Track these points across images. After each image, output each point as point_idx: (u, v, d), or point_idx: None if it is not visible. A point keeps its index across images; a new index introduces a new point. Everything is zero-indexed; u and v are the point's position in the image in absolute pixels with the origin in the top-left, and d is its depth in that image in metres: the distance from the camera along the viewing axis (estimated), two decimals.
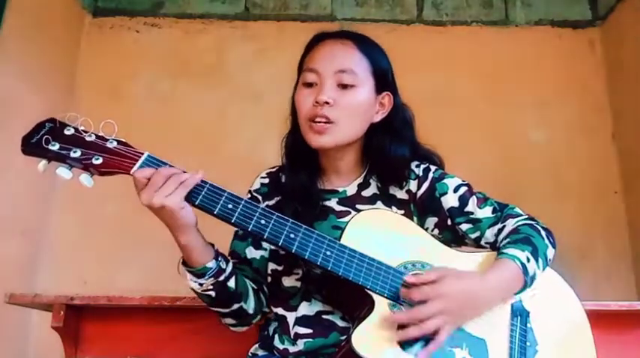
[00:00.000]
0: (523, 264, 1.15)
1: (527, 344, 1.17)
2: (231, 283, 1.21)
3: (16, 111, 2.41)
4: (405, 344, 1.06)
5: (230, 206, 1.11)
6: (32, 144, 1.07)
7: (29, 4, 2.57)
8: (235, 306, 1.24)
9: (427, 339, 1.06)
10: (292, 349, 1.22)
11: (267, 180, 1.39)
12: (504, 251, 1.17)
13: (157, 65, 3.02)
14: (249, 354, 1.29)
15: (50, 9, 2.75)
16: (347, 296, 1.17)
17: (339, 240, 1.15)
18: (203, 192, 1.11)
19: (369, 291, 1.11)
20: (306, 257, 1.11)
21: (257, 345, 1.30)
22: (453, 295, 1.07)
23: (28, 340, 2.52)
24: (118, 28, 3.08)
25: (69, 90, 2.90)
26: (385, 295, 1.12)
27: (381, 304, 1.11)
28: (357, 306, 1.15)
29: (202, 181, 1.12)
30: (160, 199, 1.06)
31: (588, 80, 3.01)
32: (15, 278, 2.48)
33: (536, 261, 1.18)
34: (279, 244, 1.12)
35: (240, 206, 1.11)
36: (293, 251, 1.12)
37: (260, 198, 1.36)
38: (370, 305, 1.11)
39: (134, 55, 3.04)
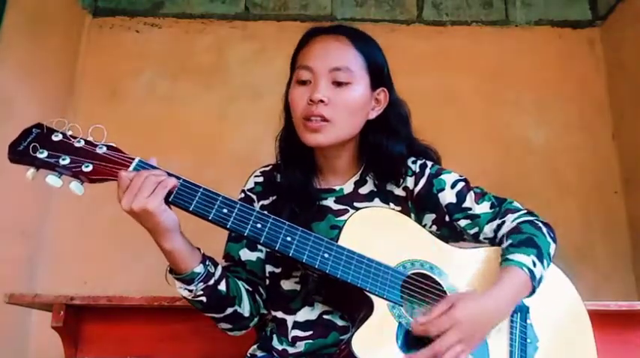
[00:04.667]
0: (530, 270, 1.13)
1: (528, 340, 1.17)
2: (222, 286, 1.18)
3: (16, 112, 2.41)
4: (403, 345, 1.06)
5: (225, 210, 1.08)
6: (19, 152, 1.04)
7: (29, 4, 2.57)
8: (229, 310, 1.22)
9: None
10: (291, 350, 1.21)
11: (261, 179, 1.37)
12: (509, 257, 1.15)
13: (157, 65, 3.02)
14: (248, 355, 1.28)
15: (50, 9, 2.74)
16: (346, 297, 1.16)
17: (337, 241, 1.13)
18: (197, 197, 1.07)
19: (368, 293, 1.11)
20: (303, 260, 1.10)
21: (255, 346, 1.29)
22: (467, 320, 1.05)
23: (28, 340, 2.52)
24: (118, 28, 3.08)
25: (69, 90, 2.89)
26: (384, 297, 1.11)
27: (381, 306, 1.10)
28: (356, 308, 1.14)
29: (195, 185, 1.09)
30: (141, 202, 1.03)
31: (588, 80, 3.00)
32: (15, 278, 2.48)
33: (542, 262, 1.16)
34: (276, 248, 1.10)
35: (236, 210, 1.09)
36: (290, 254, 1.10)
37: (254, 197, 1.34)
38: (369, 307, 1.10)
39: (134, 55, 3.04)
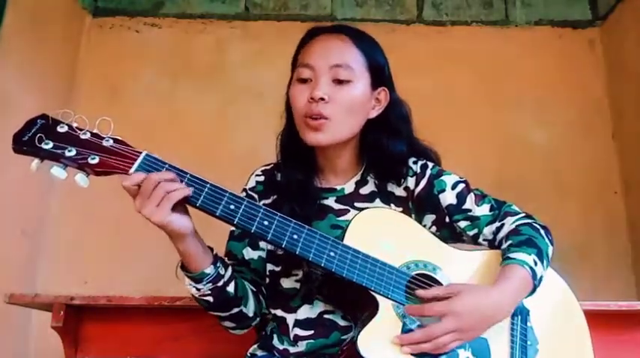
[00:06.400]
0: (532, 269, 1.14)
1: (528, 343, 1.17)
2: (231, 288, 1.19)
3: (16, 111, 2.41)
4: None
5: (232, 207, 1.08)
6: (24, 143, 1.02)
7: (29, 4, 2.57)
8: (235, 310, 1.22)
9: None
10: (293, 349, 1.22)
11: (262, 178, 1.37)
12: (511, 256, 1.16)
13: (157, 65, 3.02)
14: (248, 354, 1.28)
15: (50, 9, 2.74)
16: (350, 297, 1.16)
17: (341, 240, 1.13)
18: (204, 193, 1.07)
19: (372, 293, 1.11)
20: (310, 258, 1.10)
21: (256, 345, 1.29)
22: (467, 313, 1.06)
23: (28, 340, 2.52)
24: (118, 28, 3.08)
25: (69, 90, 2.89)
26: (389, 296, 1.11)
27: (385, 305, 1.10)
28: (360, 307, 1.14)
29: (203, 181, 1.09)
30: (148, 213, 1.03)
31: (588, 80, 3.00)
32: (15, 278, 2.48)
33: (542, 262, 1.17)
34: (283, 246, 1.10)
35: (242, 207, 1.09)
36: (297, 252, 1.10)
37: (256, 196, 1.34)
38: (374, 307, 1.10)
39: (134, 55, 3.04)
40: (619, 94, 2.91)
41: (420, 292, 1.11)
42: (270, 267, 1.29)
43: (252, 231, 1.09)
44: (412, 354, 1.06)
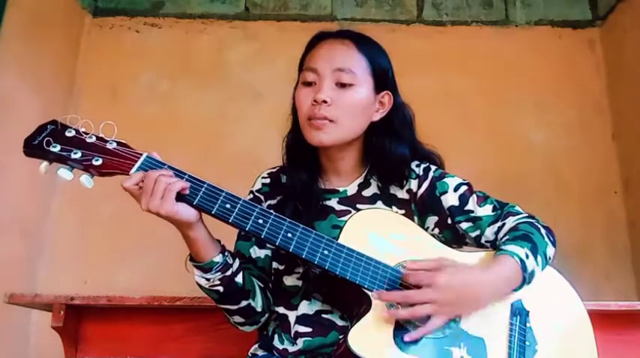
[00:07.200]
0: (522, 260, 1.15)
1: (527, 343, 1.17)
2: (239, 279, 1.21)
3: (16, 111, 2.41)
4: (399, 342, 1.07)
5: (228, 205, 1.11)
6: (34, 146, 1.09)
7: (29, 4, 2.57)
8: (243, 303, 1.24)
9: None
10: (291, 349, 1.23)
11: (268, 180, 1.40)
12: (503, 247, 1.18)
13: (157, 65, 3.02)
14: (249, 354, 1.29)
15: (50, 9, 2.74)
16: (345, 295, 1.17)
17: (337, 239, 1.15)
18: (201, 192, 1.11)
19: (365, 290, 1.12)
20: (303, 256, 1.12)
21: (257, 345, 1.31)
22: (447, 286, 1.08)
23: (28, 340, 2.52)
24: (118, 28, 3.08)
25: (69, 90, 2.90)
26: None
27: (378, 303, 1.11)
28: (354, 305, 1.15)
29: (200, 181, 1.12)
30: (155, 207, 1.07)
31: (588, 80, 3.00)
32: (15, 278, 2.48)
33: (535, 258, 1.18)
34: (277, 243, 1.12)
35: (238, 206, 1.12)
36: (290, 250, 1.12)
37: (262, 197, 1.37)
38: (367, 305, 1.11)
39: (134, 55, 3.04)
40: (619, 94, 2.91)
41: (410, 264, 1.14)
42: (275, 265, 1.32)
43: (247, 229, 1.12)
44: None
